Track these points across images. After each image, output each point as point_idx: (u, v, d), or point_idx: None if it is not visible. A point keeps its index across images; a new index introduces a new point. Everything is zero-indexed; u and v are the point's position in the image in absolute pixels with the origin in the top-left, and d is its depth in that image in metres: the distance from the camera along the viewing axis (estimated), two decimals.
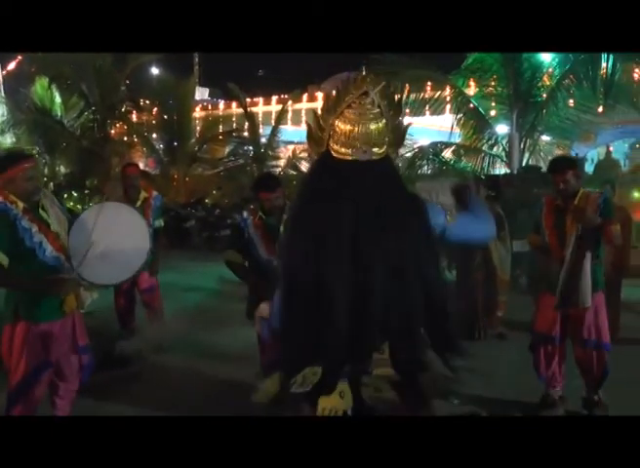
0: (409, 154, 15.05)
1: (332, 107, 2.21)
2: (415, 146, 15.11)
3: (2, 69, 35.02)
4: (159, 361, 5.93)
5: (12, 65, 36.91)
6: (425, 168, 14.13)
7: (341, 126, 2.18)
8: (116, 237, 3.84)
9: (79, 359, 4.02)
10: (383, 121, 2.20)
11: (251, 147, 18.75)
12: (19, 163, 3.67)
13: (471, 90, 14.07)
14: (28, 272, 3.65)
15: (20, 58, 37.15)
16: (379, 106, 2.21)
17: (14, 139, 25.54)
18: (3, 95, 30.74)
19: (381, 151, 2.21)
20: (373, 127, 2.17)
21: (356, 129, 2.16)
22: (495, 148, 13.87)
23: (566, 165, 4.67)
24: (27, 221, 3.60)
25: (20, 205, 3.61)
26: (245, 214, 4.64)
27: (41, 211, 3.74)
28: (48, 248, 3.65)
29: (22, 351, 3.67)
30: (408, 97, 13.35)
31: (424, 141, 15.50)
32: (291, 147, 19.14)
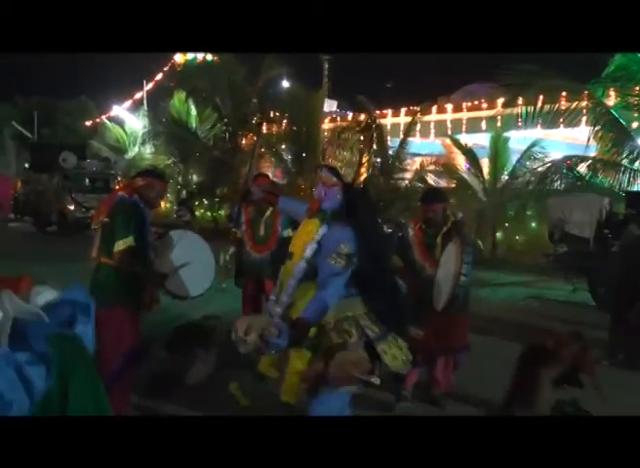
0: (541, 168, 14.48)
1: None
2: (547, 160, 14.51)
3: (146, 84, 37.16)
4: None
5: (154, 81, 39.10)
6: (558, 183, 13.50)
7: None
8: (194, 260, 4.54)
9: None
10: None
11: (378, 159, 18.68)
12: (155, 178, 4.42)
13: (611, 100, 13.26)
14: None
15: (161, 74, 39.35)
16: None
17: (153, 149, 27.01)
18: (146, 108, 32.62)
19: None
20: None
21: None
22: (636, 163, 12.95)
23: None
24: (147, 212, 4.25)
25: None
26: (406, 221, 5.36)
27: None
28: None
29: (120, 334, 4.06)
30: (542, 108, 12.82)
31: (557, 155, 14.85)
32: (418, 160, 18.92)
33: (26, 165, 28.86)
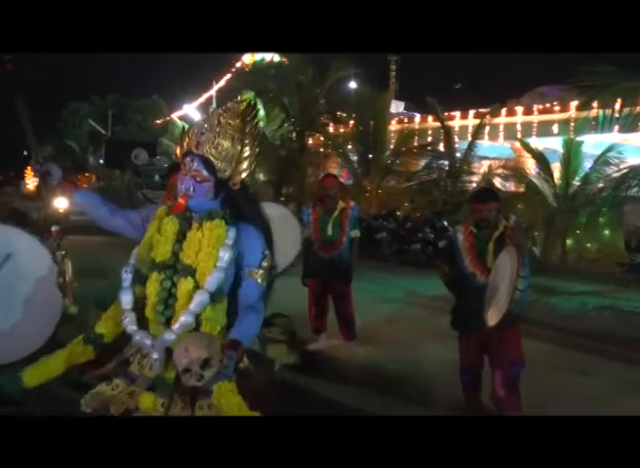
0: (617, 174, 14.00)
1: None
2: (623, 166, 14.02)
3: (215, 84, 37.82)
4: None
5: (223, 81, 39.76)
6: (636, 189, 13.01)
7: None
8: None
9: None
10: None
11: (446, 161, 18.45)
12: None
13: None
14: None
15: (229, 75, 39.96)
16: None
17: None
18: (215, 107, 33.18)
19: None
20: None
21: None
22: None
23: None
24: None
25: None
26: (457, 226, 4.86)
27: None
28: None
29: None
30: (620, 111, 12.37)
31: (635, 160, 14.33)
32: (486, 163, 18.60)
33: (100, 161, 29.77)
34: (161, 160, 24.35)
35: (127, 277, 2.54)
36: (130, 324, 2.47)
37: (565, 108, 19.62)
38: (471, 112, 23.02)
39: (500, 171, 17.07)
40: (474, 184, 17.13)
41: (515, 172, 16.44)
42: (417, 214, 17.39)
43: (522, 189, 16.23)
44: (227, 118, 2.55)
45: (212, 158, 2.52)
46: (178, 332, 2.41)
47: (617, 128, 13.48)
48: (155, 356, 2.41)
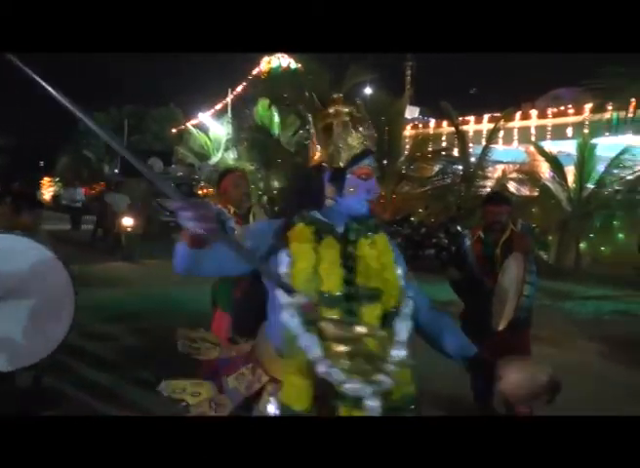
0: (631, 177, 13.95)
1: None
2: (638, 168, 13.96)
3: (231, 92, 38.03)
4: None
5: (239, 89, 39.99)
6: None
7: None
8: None
9: None
10: None
11: (460, 166, 18.43)
12: (227, 175, 4.50)
13: None
14: None
15: (245, 82, 40.21)
16: None
17: (236, 155, 27.63)
18: (230, 115, 33.41)
19: None
20: None
21: None
22: None
23: None
24: (234, 223, 4.26)
25: (232, 209, 4.33)
26: (465, 231, 4.97)
27: (251, 217, 4.42)
28: None
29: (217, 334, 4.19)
30: (634, 113, 12.32)
31: None
32: (500, 167, 18.56)
33: (116, 170, 30.04)
34: (176, 169, 24.55)
35: (295, 321, 2.05)
36: (337, 374, 1.98)
37: (579, 111, 19.53)
38: (486, 116, 22.97)
39: (514, 175, 17.01)
40: (488, 189, 17.10)
41: (529, 175, 16.40)
42: (431, 220, 17.41)
43: (536, 193, 16.18)
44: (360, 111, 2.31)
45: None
46: (393, 372, 2.03)
47: (631, 130, 13.47)
48: (373, 404, 2.04)
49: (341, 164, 2.17)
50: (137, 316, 8.26)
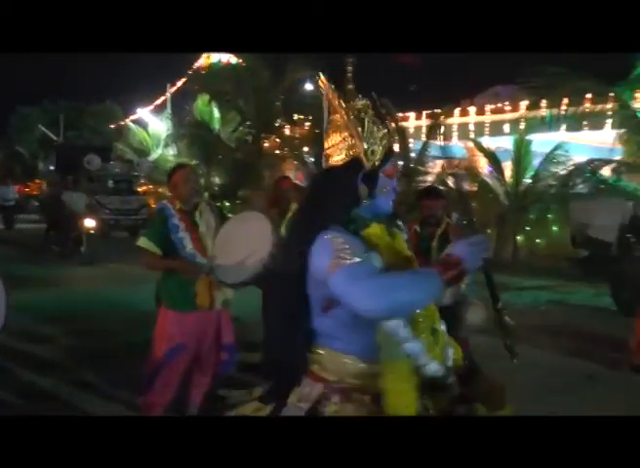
0: (564, 172, 14.35)
1: None
2: (570, 164, 14.37)
3: (170, 88, 37.47)
4: None
5: (178, 84, 39.42)
6: (581, 186, 13.39)
7: None
8: (244, 241, 4.12)
9: (220, 355, 4.46)
10: None
11: (400, 162, 18.62)
12: (178, 171, 4.42)
13: (638, 103, 13.12)
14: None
15: (185, 78, 39.65)
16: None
17: (175, 152, 27.25)
18: (169, 111, 32.92)
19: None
20: None
21: None
22: None
23: None
24: (177, 219, 4.21)
25: (178, 205, 4.27)
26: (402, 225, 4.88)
27: (197, 214, 4.31)
28: (188, 245, 4.20)
29: (161, 333, 4.27)
30: (567, 111, 12.71)
31: (581, 158, 14.69)
32: (440, 163, 18.83)
33: (51, 167, 29.24)
34: (114, 165, 24.03)
35: (405, 330, 2.01)
36: (441, 370, 2.05)
37: (516, 108, 20.00)
38: (425, 113, 23.29)
39: (453, 170, 17.26)
40: (429, 184, 17.33)
41: (468, 171, 16.67)
42: None
43: (475, 188, 16.47)
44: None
45: None
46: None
47: (564, 126, 13.88)
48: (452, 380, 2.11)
49: (377, 163, 2.09)
50: (74, 317, 8.06)
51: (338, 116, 2.15)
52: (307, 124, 21.68)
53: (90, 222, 14.56)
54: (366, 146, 2.08)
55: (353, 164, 2.08)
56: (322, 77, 2.13)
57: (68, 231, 14.48)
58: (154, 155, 31.07)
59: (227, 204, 22.62)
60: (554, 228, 14.86)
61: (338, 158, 2.13)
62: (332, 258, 1.90)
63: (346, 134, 2.12)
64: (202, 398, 4.46)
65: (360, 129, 2.09)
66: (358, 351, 2.04)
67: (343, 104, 2.13)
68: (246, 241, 4.10)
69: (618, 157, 13.75)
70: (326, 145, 2.19)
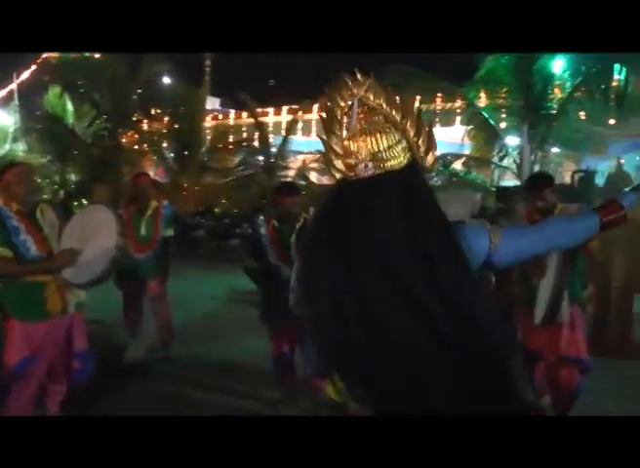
0: None
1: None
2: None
3: (16, 78, 35.35)
4: (163, 370, 5.89)
5: (26, 74, 37.27)
6: (435, 179, 14.09)
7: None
8: (88, 238, 3.93)
9: (73, 362, 4.23)
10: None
11: (261, 157, 18.76)
12: (10, 169, 4.01)
13: (482, 101, 14.02)
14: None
15: (34, 67, 37.58)
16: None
17: (26, 147, 25.76)
18: (17, 103, 31.04)
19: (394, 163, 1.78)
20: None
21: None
22: (505, 160, 13.80)
23: (543, 183, 4.55)
24: (17, 221, 3.88)
25: (15, 207, 3.91)
26: (259, 219, 4.82)
27: (38, 214, 4.02)
28: (32, 247, 3.91)
29: (9, 346, 3.92)
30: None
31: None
32: (301, 157, 19.14)
33: None
34: None
35: None
36: None
37: None
38: (284, 108, 23.53)
39: (314, 165, 17.61)
40: (290, 179, 17.57)
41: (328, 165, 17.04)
42: (234, 211, 17.52)
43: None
44: None
45: None
46: None
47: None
48: None
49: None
50: None
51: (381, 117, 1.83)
52: (166, 118, 21.28)
53: None
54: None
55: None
56: (358, 75, 1.81)
57: None
58: (1, 151, 29.23)
59: (85, 202, 21.76)
60: None
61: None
62: (489, 235, 1.84)
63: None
64: (59, 407, 4.26)
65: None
66: None
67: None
68: (91, 236, 3.90)
69: (467, 151, 14.60)
70: (378, 148, 1.80)
